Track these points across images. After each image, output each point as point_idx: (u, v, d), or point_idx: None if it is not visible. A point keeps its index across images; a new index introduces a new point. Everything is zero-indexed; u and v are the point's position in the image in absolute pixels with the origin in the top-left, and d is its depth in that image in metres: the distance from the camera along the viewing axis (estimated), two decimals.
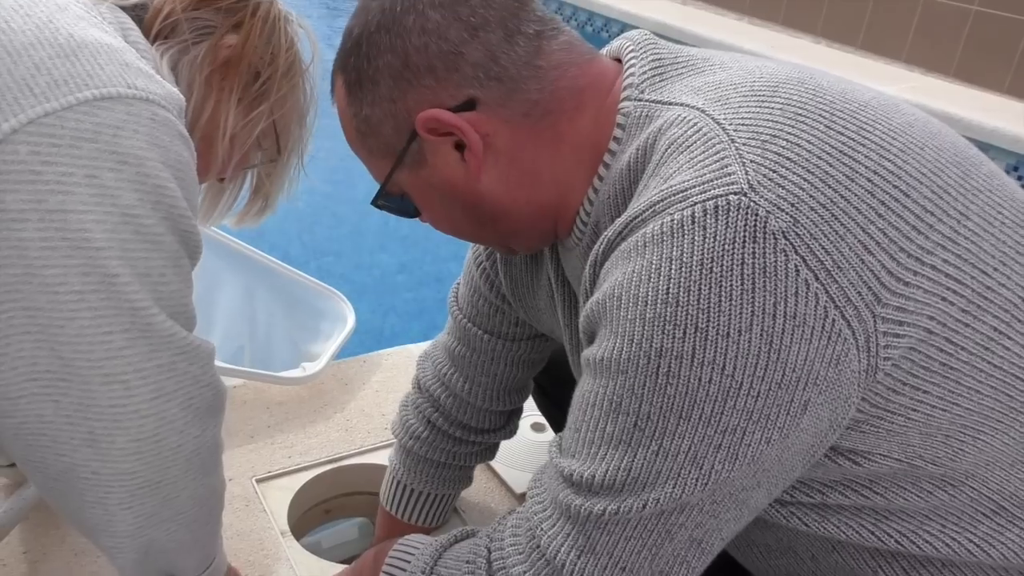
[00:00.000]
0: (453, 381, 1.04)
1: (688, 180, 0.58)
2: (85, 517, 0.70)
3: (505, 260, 0.94)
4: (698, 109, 0.63)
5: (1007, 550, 0.65)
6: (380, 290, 2.78)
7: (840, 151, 0.58)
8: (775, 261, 0.54)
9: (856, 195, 0.56)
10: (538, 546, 0.66)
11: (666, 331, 0.55)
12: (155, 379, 0.66)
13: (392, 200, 0.78)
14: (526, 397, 1.10)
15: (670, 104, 0.66)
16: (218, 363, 1.03)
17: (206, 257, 1.43)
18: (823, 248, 0.54)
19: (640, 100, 0.68)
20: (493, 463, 1.26)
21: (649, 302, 0.56)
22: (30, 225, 0.59)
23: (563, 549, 0.64)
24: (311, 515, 1.27)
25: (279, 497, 1.19)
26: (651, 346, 0.56)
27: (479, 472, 1.26)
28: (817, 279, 0.54)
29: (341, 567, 1.09)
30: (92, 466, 0.67)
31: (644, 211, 0.60)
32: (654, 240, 0.57)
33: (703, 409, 0.56)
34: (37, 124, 0.58)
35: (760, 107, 0.61)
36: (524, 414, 1.37)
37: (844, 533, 0.68)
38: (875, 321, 0.56)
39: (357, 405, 1.43)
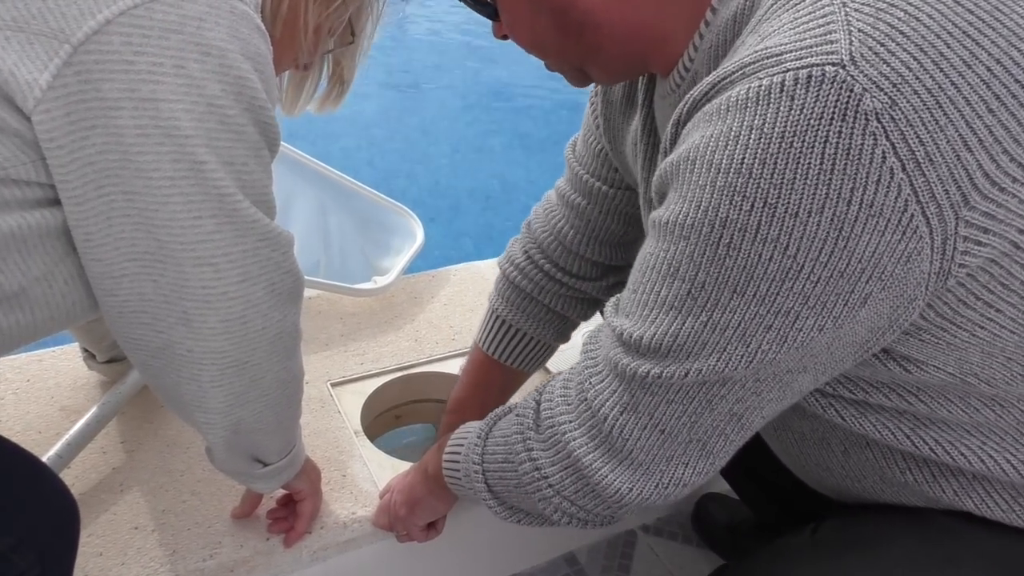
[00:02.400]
0: (560, 225, 1.04)
1: (786, 42, 0.53)
2: (181, 393, 0.76)
3: (605, 99, 0.91)
4: None
5: None
6: (451, 214, 2.82)
7: (963, 31, 0.52)
8: (861, 143, 0.50)
9: (969, 84, 0.51)
10: (585, 398, 0.68)
11: (734, 202, 0.54)
12: (241, 263, 0.71)
13: (477, 0, 0.73)
14: (627, 259, 1.07)
15: None
16: None
17: (281, 173, 1.48)
18: (917, 137, 0.50)
19: None
20: (553, 369, 1.29)
21: (722, 170, 0.54)
22: (125, 113, 0.62)
23: (608, 403, 0.66)
24: (382, 419, 1.33)
25: (352, 400, 1.25)
26: (716, 215, 0.55)
27: (545, 378, 1.29)
28: (904, 169, 0.50)
29: (411, 464, 1.15)
30: (187, 344, 0.72)
31: (733, 72, 0.56)
32: (738, 105, 0.54)
33: (758, 287, 0.55)
34: (128, 15, 0.61)
35: None
36: (588, 324, 1.40)
37: (879, 433, 0.68)
38: (957, 223, 0.52)
39: (426, 317, 1.47)
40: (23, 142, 0.62)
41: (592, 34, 0.68)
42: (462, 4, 0.74)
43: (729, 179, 0.54)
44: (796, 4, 0.56)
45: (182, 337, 0.71)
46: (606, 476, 0.67)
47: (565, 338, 1.14)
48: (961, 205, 0.52)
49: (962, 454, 0.65)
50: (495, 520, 0.84)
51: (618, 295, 0.70)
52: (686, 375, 0.60)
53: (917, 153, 0.50)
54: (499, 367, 1.11)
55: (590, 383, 0.69)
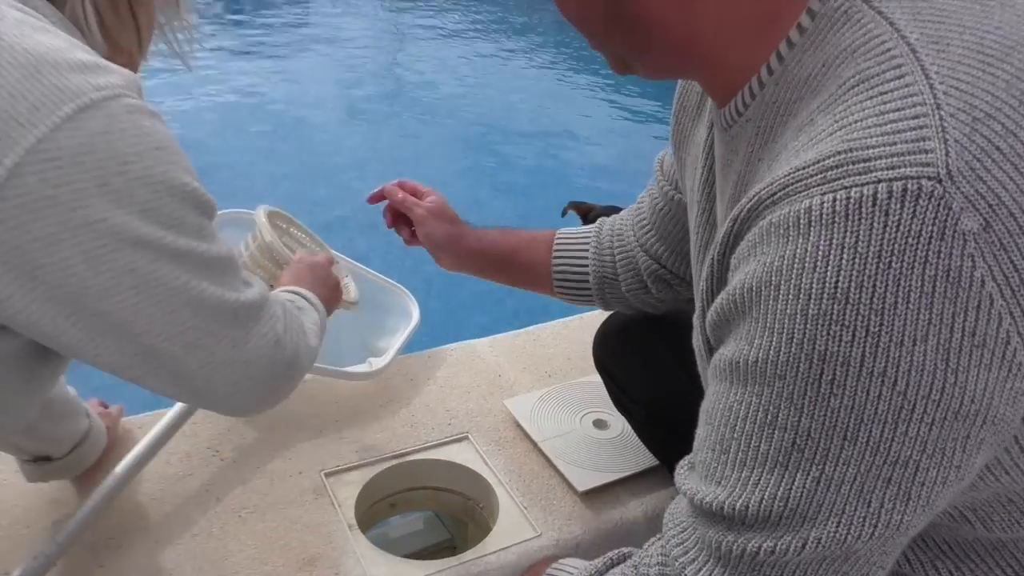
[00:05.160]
0: (625, 227, 1.08)
1: (873, 144, 0.49)
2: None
3: (680, 102, 0.86)
4: (909, 46, 0.52)
5: None
6: (441, 278, 2.80)
7: None
8: (960, 266, 0.46)
9: None
10: None
11: (832, 332, 0.48)
12: (228, 334, 0.75)
13: None
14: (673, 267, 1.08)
15: (879, 14, 0.54)
16: None
17: None
18: (1011, 263, 0.47)
19: None
20: (555, 460, 1.27)
21: (814, 296, 0.48)
22: (65, 245, 0.62)
23: None
24: (378, 508, 1.30)
25: (346, 491, 1.23)
26: (814, 348, 0.49)
27: (540, 469, 1.27)
28: (1002, 296, 0.47)
29: (406, 560, 1.12)
30: (205, 401, 0.80)
31: (811, 172, 0.50)
32: (823, 219, 0.48)
33: (871, 431, 0.49)
34: (34, 152, 0.60)
35: (984, 71, 0.51)
36: (586, 410, 1.39)
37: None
38: None
39: (422, 400, 1.45)
40: None
41: (642, 32, 0.63)
42: None
43: (823, 306, 0.48)
44: (883, 94, 0.51)
45: (199, 397, 0.79)
46: None
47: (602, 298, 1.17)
48: None
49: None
50: None
51: (688, 459, 0.63)
52: (803, 547, 0.52)
53: (1012, 280, 0.47)
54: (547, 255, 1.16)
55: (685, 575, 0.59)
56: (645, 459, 1.29)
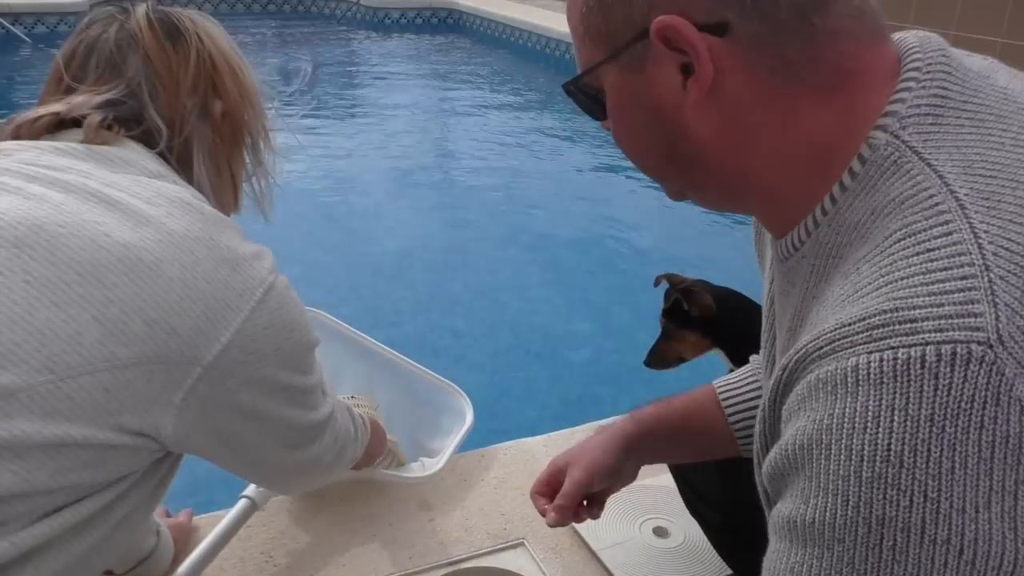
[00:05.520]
0: None
1: (920, 304, 0.48)
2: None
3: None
4: (958, 201, 0.51)
5: None
6: (487, 367, 2.80)
7: None
8: (1019, 432, 0.45)
9: None
10: None
11: (888, 496, 0.46)
12: (326, 451, 0.94)
13: (585, 93, 0.67)
14: None
15: (928, 166, 0.54)
16: None
17: (329, 346, 1.49)
18: None
19: (897, 137, 0.56)
20: (615, 571, 1.23)
21: (865, 457, 0.47)
22: (242, 394, 0.78)
23: None
24: None
25: None
26: (871, 512, 0.47)
27: None
28: None
29: None
30: (271, 483, 1.04)
31: (857, 330, 0.49)
32: (871, 379, 0.47)
33: None
34: (240, 331, 0.75)
35: None
36: (645, 517, 1.35)
37: None
38: None
39: (476, 503, 1.43)
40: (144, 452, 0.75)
41: (699, 170, 0.64)
42: (570, 98, 0.71)
43: (877, 469, 0.47)
44: (929, 248, 0.50)
45: (267, 482, 1.02)
46: None
47: None
48: None
49: None
50: None
51: None
52: None
53: None
54: (717, 410, 1.02)
55: None
56: (707, 571, 1.24)
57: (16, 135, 0.80)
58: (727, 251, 3.51)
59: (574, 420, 1.71)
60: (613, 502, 1.37)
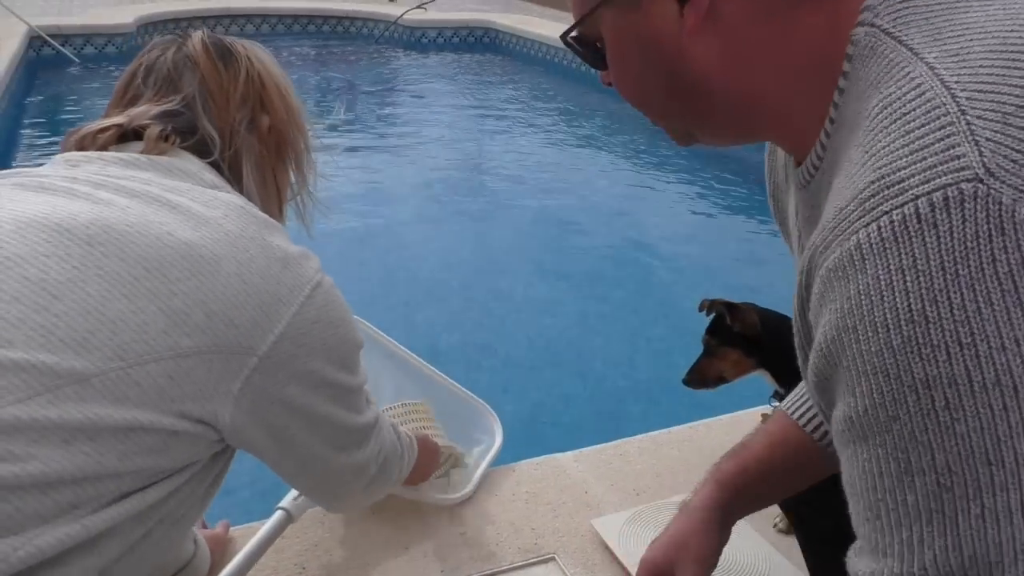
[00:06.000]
0: None
1: (903, 164, 0.48)
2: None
3: (770, 163, 0.83)
4: (927, 64, 0.52)
5: None
6: (519, 381, 2.81)
7: None
8: None
9: None
10: None
11: (924, 355, 0.45)
12: (369, 453, 0.98)
13: (583, 43, 0.68)
14: None
15: (899, 43, 0.54)
16: None
17: (369, 358, 1.51)
18: None
19: (872, 26, 0.56)
20: None
21: (891, 326, 0.46)
22: (291, 386, 0.82)
23: None
24: None
25: None
26: (913, 377, 0.46)
27: None
28: None
29: None
30: (319, 494, 1.04)
31: (851, 210, 0.49)
32: (873, 250, 0.47)
33: (1014, 446, 0.44)
34: (291, 324, 0.80)
35: (1009, 69, 0.50)
36: None
37: None
38: None
39: (507, 517, 1.43)
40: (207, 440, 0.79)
41: (703, 100, 0.64)
42: (568, 49, 0.70)
43: (905, 333, 0.46)
44: (905, 115, 0.51)
45: (312, 491, 1.03)
46: None
47: None
48: None
49: None
50: None
51: (853, 546, 0.56)
52: None
53: None
54: (797, 431, 0.93)
55: None
56: None
57: (80, 145, 0.86)
58: (771, 267, 3.47)
59: (606, 436, 1.71)
60: (647, 520, 1.37)
